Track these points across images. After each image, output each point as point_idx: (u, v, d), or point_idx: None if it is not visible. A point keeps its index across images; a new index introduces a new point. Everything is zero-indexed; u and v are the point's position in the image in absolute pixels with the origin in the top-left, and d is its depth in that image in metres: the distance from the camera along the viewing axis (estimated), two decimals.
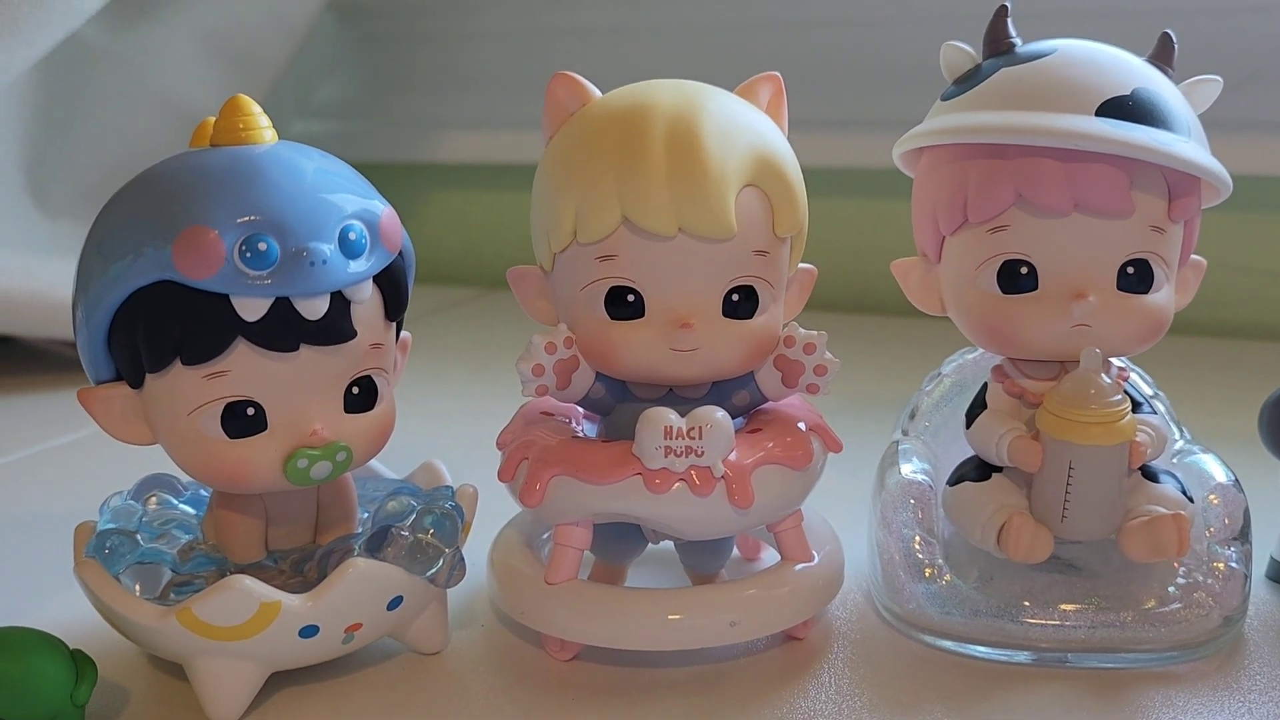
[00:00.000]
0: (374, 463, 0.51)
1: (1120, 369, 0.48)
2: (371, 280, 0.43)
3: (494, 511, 0.50)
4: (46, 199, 0.95)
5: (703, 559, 0.49)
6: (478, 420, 0.51)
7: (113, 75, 0.97)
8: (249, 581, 0.41)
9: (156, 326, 0.40)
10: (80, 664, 0.41)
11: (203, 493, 0.49)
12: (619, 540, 0.48)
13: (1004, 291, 0.46)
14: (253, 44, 1.00)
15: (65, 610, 0.46)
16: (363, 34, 1.20)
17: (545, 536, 0.50)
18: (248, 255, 0.39)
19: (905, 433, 0.53)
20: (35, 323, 0.84)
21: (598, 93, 0.46)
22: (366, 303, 0.42)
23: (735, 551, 0.53)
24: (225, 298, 0.40)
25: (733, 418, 0.45)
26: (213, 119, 0.44)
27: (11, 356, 0.91)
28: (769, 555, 0.53)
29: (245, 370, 0.41)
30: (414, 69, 1.19)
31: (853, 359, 0.53)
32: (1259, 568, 0.51)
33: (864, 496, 0.52)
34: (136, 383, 0.42)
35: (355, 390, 0.43)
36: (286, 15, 1.02)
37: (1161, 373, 0.53)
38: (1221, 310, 0.90)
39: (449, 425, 0.70)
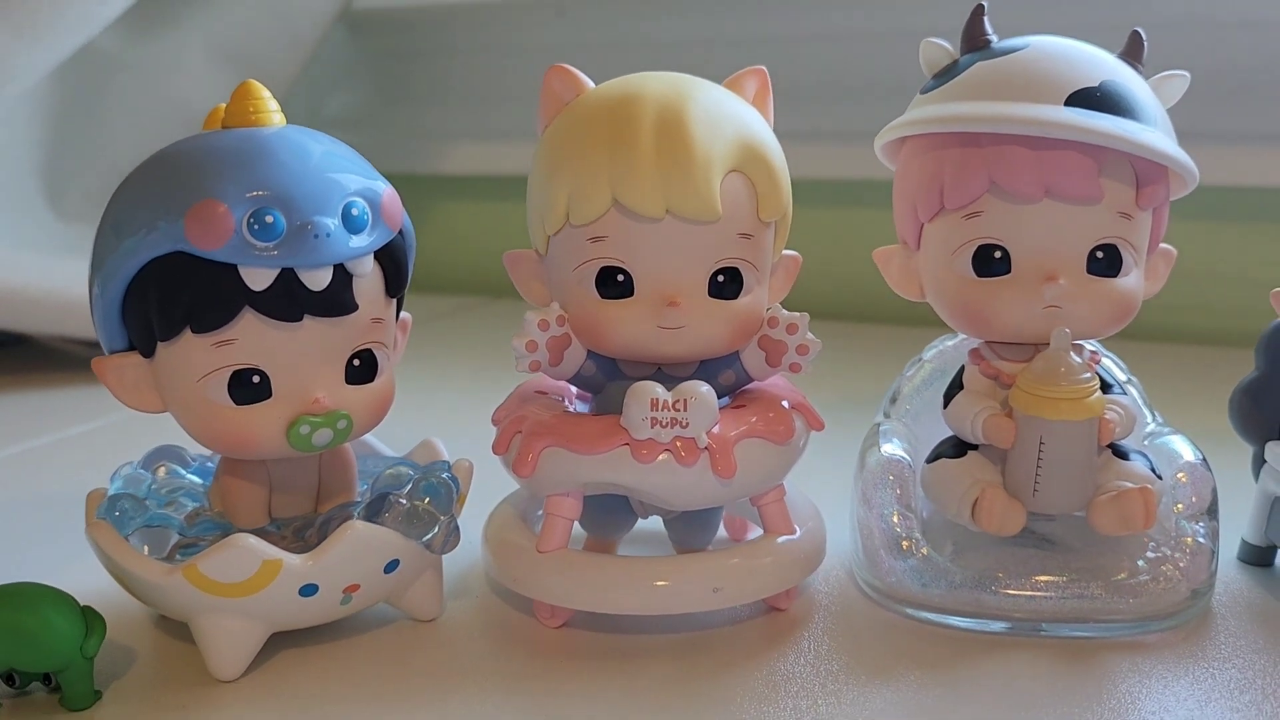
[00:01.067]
0: (374, 441, 0.53)
1: (1092, 353, 0.50)
2: (373, 256, 0.45)
3: (489, 491, 0.52)
4: (61, 203, 0.97)
5: (690, 534, 0.51)
6: (475, 417, 0.53)
7: (127, 83, 1.00)
8: (252, 540, 0.43)
9: (168, 295, 0.43)
10: (90, 619, 0.43)
11: (209, 464, 0.51)
12: (609, 514, 0.50)
13: (979, 275, 0.48)
14: (264, 55, 1.03)
15: (76, 579, 0.47)
16: (372, 48, 1.23)
17: (539, 513, 0.52)
18: (255, 227, 0.42)
19: (887, 415, 0.55)
20: (50, 321, 0.86)
21: (591, 84, 0.48)
22: (368, 277, 0.45)
23: (723, 532, 0.55)
24: (234, 268, 0.42)
25: (719, 397, 0.47)
26: (224, 105, 0.46)
27: (28, 355, 0.94)
28: (755, 535, 0.55)
29: (252, 339, 0.43)
30: (420, 82, 1.22)
31: (841, 361, 0.55)
32: (1228, 546, 0.52)
33: (848, 484, 0.54)
34: (148, 352, 0.44)
35: (356, 362, 0.45)
36: (297, 27, 1.05)
37: (1146, 378, 0.55)
38: (1206, 318, 0.92)
39: (448, 422, 0.72)
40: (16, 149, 0.96)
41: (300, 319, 0.43)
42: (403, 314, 0.49)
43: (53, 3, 0.80)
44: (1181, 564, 0.48)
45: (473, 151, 1.18)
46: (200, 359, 0.43)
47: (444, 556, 0.48)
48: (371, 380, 0.46)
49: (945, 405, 0.50)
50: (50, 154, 0.98)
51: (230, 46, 1.02)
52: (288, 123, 0.46)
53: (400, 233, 0.46)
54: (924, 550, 0.49)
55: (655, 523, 0.52)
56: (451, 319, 1.10)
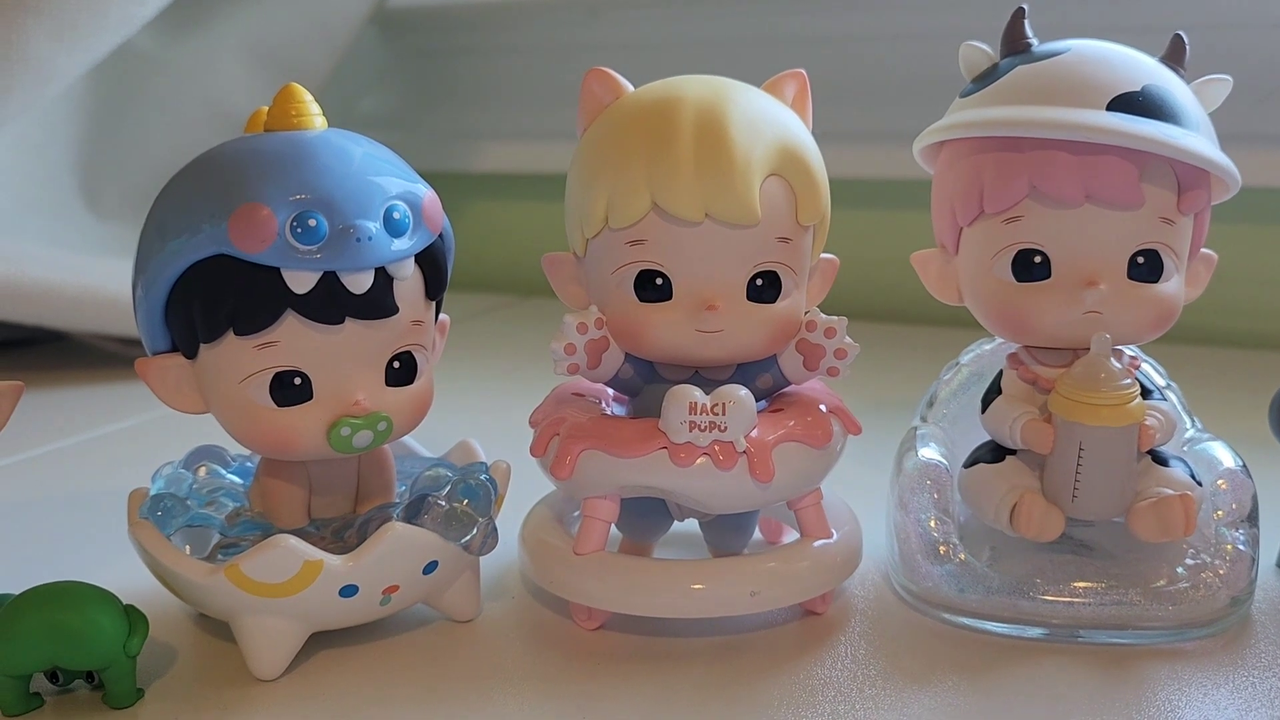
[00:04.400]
0: (412, 442, 0.53)
1: (1131, 358, 0.50)
2: (413, 259, 0.45)
3: (525, 492, 0.52)
4: (98, 201, 0.98)
5: (726, 537, 0.51)
6: (512, 418, 0.54)
7: (163, 83, 1.01)
8: (294, 540, 0.43)
9: (212, 298, 0.43)
10: (133, 618, 0.43)
11: (249, 464, 0.51)
12: (646, 517, 0.50)
13: (1018, 280, 0.48)
14: (298, 55, 1.03)
15: (118, 578, 0.48)
16: (404, 48, 1.24)
17: (575, 515, 0.52)
18: (298, 231, 0.42)
19: (924, 419, 0.55)
20: (86, 318, 0.87)
21: (630, 87, 0.48)
22: (408, 280, 0.45)
23: (759, 535, 0.55)
24: (276, 271, 0.42)
25: (757, 400, 0.47)
26: (266, 108, 0.46)
27: (65, 352, 0.95)
28: (790, 538, 0.55)
29: (293, 341, 0.43)
30: (453, 82, 1.22)
31: (878, 364, 0.54)
32: (1268, 554, 0.52)
33: (885, 489, 0.54)
34: (191, 353, 0.45)
35: (396, 365, 0.46)
36: (330, 27, 1.05)
37: (1185, 382, 0.54)
38: (1246, 321, 0.91)
39: (484, 420, 0.72)
40: (54, 148, 0.96)
41: (342, 321, 0.43)
42: (441, 316, 0.49)
43: (91, 4, 0.80)
44: (1221, 571, 0.48)
45: (504, 150, 1.18)
46: (242, 361, 0.44)
47: (481, 558, 0.49)
48: (411, 382, 0.46)
49: (983, 410, 0.50)
50: (87, 153, 0.99)
51: (264, 47, 1.03)
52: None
53: (440, 236, 0.46)
54: (961, 555, 0.49)
55: (691, 525, 0.52)
56: (486, 317, 1.10)
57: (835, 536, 0.49)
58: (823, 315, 0.48)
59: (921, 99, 0.61)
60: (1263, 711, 0.43)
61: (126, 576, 0.48)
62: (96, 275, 0.87)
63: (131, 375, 0.46)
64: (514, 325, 1.08)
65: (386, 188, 0.44)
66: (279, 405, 0.44)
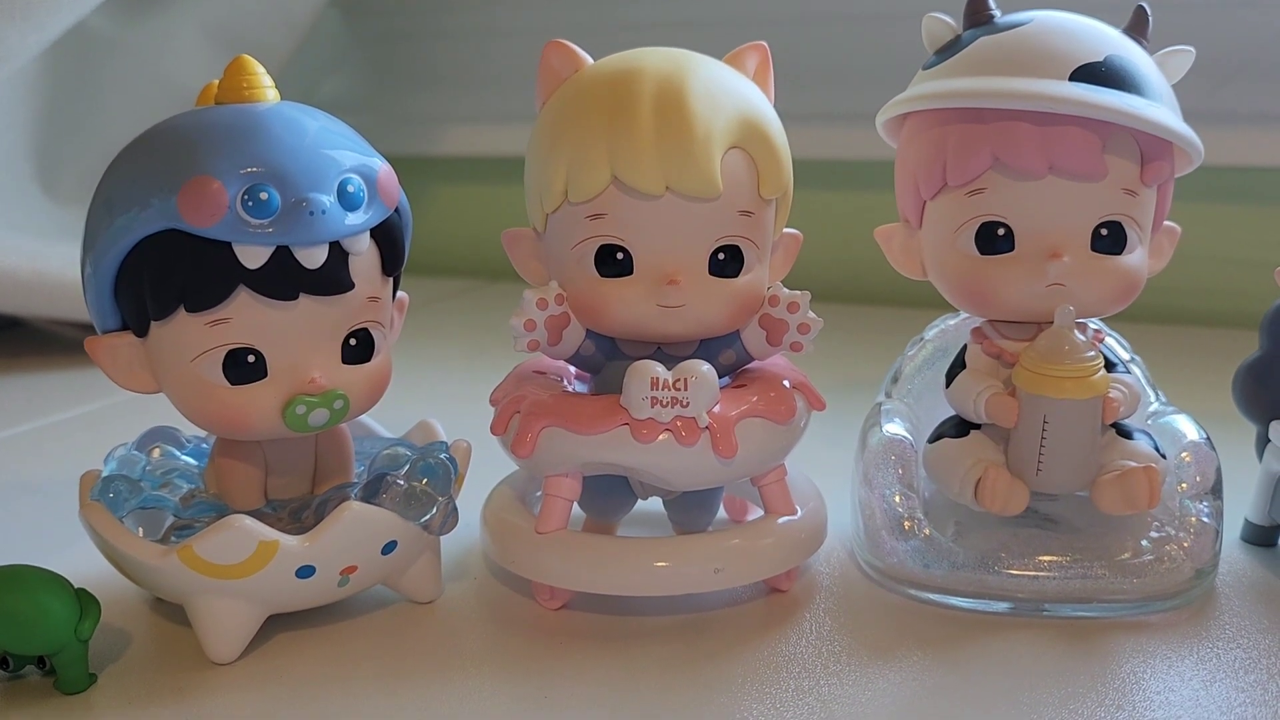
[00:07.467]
0: (371, 422, 0.53)
1: (1095, 331, 0.50)
2: (369, 234, 0.44)
3: (487, 472, 0.51)
4: (54, 186, 0.97)
5: (690, 516, 0.50)
6: (473, 397, 0.53)
7: (119, 64, 0.99)
8: (248, 521, 0.42)
9: (162, 274, 0.42)
10: (84, 602, 0.42)
11: (204, 445, 0.51)
12: (609, 496, 0.50)
13: (982, 253, 0.48)
14: (257, 35, 1.02)
15: (70, 562, 0.47)
16: (365, 30, 1.23)
17: (537, 494, 0.52)
18: (250, 204, 0.41)
19: (889, 395, 0.55)
20: (42, 304, 0.86)
21: (589, 59, 0.48)
22: (364, 255, 0.44)
23: (723, 513, 0.54)
24: (228, 246, 0.41)
25: (719, 376, 0.46)
26: (217, 81, 0.45)
27: (20, 339, 0.94)
28: (755, 516, 0.54)
29: (246, 318, 0.42)
30: (415, 65, 1.21)
31: (843, 341, 0.53)
32: (1232, 527, 0.52)
33: (849, 465, 0.53)
34: (142, 331, 0.44)
35: (352, 342, 0.45)
36: (290, 9, 1.04)
37: (1149, 360, 0.54)
38: (1212, 300, 0.92)
39: (446, 403, 0.72)
40: (8, 131, 0.95)
41: (296, 297, 0.43)
42: (399, 293, 0.49)
43: None
44: (1186, 544, 0.47)
45: (466, 134, 1.17)
46: (194, 338, 0.43)
47: (442, 538, 0.48)
48: (368, 360, 0.45)
49: (947, 384, 0.50)
50: (42, 136, 0.97)
51: (223, 28, 1.01)
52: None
53: (396, 210, 0.45)
54: (926, 531, 0.48)
55: (655, 504, 0.51)
56: (447, 302, 1.09)
57: (800, 513, 0.49)
58: (786, 290, 0.47)
59: (886, 80, 0.61)
60: (1226, 683, 0.42)
61: (80, 561, 0.48)
62: (52, 260, 0.85)
63: (88, 361, 0.45)
64: (475, 309, 1.08)
65: (340, 161, 0.43)
66: (232, 383, 0.43)
